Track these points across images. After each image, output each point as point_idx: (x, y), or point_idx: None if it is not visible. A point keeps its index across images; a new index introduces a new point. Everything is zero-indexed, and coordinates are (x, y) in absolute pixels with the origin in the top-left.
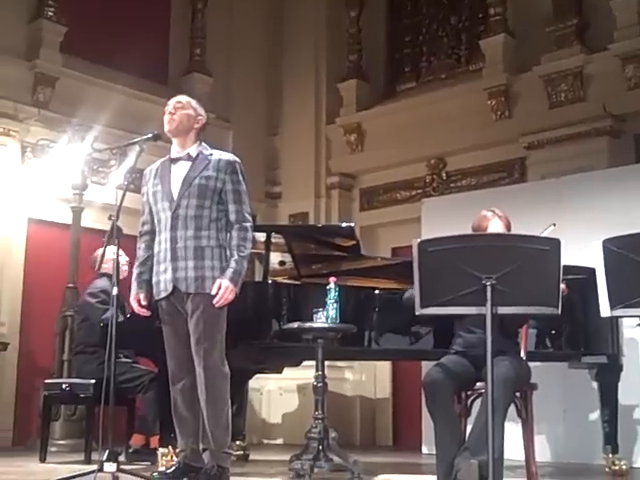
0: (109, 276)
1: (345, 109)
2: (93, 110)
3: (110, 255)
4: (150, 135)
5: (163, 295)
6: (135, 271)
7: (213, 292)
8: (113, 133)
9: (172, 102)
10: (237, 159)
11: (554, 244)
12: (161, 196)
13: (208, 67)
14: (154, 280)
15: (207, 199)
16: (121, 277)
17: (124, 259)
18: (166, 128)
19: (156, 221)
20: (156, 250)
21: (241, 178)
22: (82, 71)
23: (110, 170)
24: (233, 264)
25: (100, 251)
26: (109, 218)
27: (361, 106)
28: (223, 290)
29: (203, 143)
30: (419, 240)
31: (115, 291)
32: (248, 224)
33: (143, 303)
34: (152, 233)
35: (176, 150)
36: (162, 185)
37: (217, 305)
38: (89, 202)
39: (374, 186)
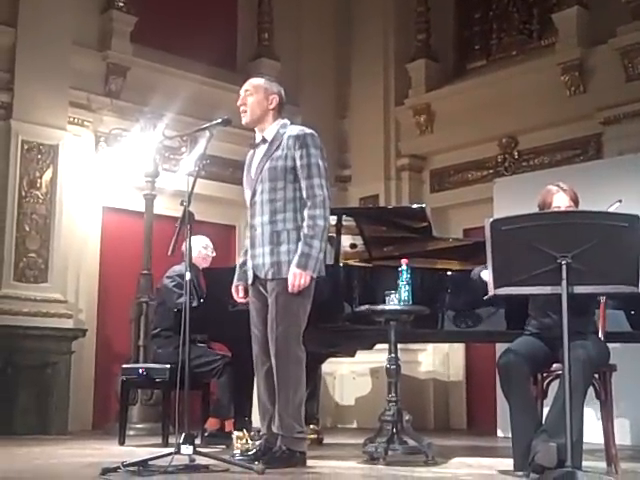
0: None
1: (414, 90)
2: (164, 98)
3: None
4: (220, 120)
5: (250, 281)
6: (239, 260)
7: (289, 281)
8: (184, 121)
9: (242, 91)
10: (308, 131)
11: (633, 220)
12: (246, 185)
13: (276, 52)
14: (247, 266)
15: (279, 180)
16: (204, 265)
17: (201, 243)
18: (243, 121)
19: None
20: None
21: (313, 151)
22: (152, 60)
23: (181, 157)
24: (300, 248)
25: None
26: (181, 204)
27: (430, 86)
28: (292, 278)
29: (283, 120)
30: (492, 219)
31: (188, 276)
32: (318, 199)
33: (241, 294)
34: None
35: (257, 134)
36: (247, 173)
37: (291, 290)
38: (161, 189)
39: (445, 167)
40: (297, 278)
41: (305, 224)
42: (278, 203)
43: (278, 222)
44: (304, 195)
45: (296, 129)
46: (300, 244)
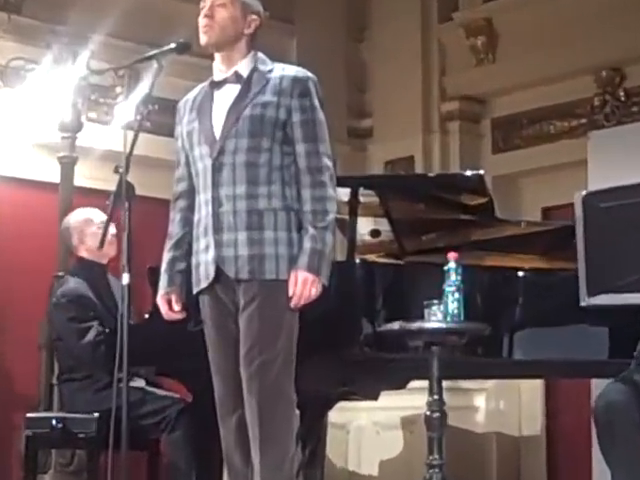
0: (88, 264)
1: None
2: (89, 13)
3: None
4: (173, 45)
5: (204, 284)
6: (165, 257)
7: (290, 291)
8: (119, 46)
9: None
10: (310, 75)
11: None
12: (198, 138)
13: None
14: (193, 263)
15: (265, 137)
16: (106, 257)
17: (95, 218)
18: (202, 40)
19: (194, 176)
20: (195, 219)
21: (316, 103)
22: None
23: (115, 102)
24: (308, 242)
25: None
26: (115, 171)
27: None
28: (301, 286)
29: (259, 54)
30: (585, 192)
31: (126, 279)
32: (327, 173)
33: (176, 307)
34: (191, 195)
35: (220, 69)
36: (200, 121)
37: (294, 306)
38: (85, 150)
39: (513, 114)
40: (308, 286)
41: (310, 208)
42: (261, 170)
43: (260, 197)
44: (302, 165)
45: (292, 69)
46: (307, 237)
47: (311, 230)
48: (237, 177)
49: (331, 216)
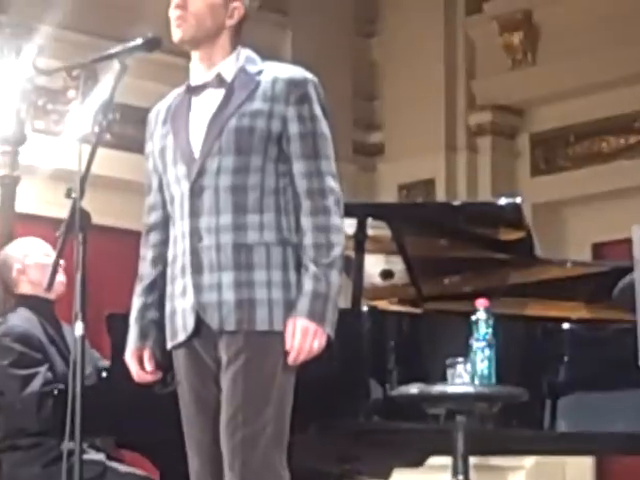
0: (33, 300)
1: None
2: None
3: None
4: (140, 41)
5: (181, 338)
6: (135, 303)
7: (287, 344)
8: (73, 41)
9: None
10: (310, 76)
11: None
12: (173, 156)
13: None
14: (167, 310)
15: (255, 154)
16: (54, 295)
17: (40, 249)
18: (175, 36)
19: (169, 203)
20: (170, 256)
21: (318, 110)
22: None
23: (67, 108)
24: (310, 283)
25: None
26: (67, 195)
27: None
28: (300, 337)
29: (247, 52)
30: None
31: (80, 330)
32: (331, 197)
33: (148, 366)
34: (166, 227)
35: (198, 70)
36: (175, 136)
37: (292, 362)
38: (29, 168)
39: (558, 129)
40: (309, 338)
41: (311, 241)
42: (251, 194)
43: (249, 228)
44: (301, 188)
45: (287, 69)
46: (307, 277)
47: (312, 268)
48: (221, 204)
49: (337, 250)
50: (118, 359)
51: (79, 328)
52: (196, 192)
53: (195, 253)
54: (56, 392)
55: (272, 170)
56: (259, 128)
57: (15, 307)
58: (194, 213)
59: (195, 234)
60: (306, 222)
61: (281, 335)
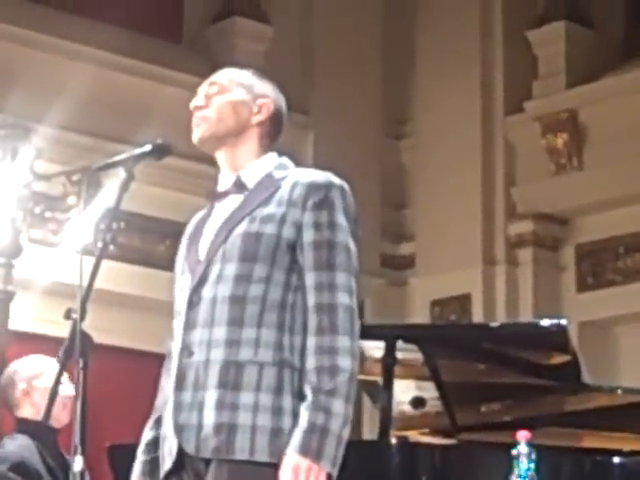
0: (35, 426)
1: (544, 82)
2: (35, 98)
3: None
4: (149, 147)
5: (168, 465)
6: (145, 436)
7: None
8: (73, 143)
9: (204, 84)
10: (336, 181)
11: None
12: (183, 267)
13: (263, 5)
14: (160, 434)
15: (260, 262)
16: (58, 422)
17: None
18: (194, 136)
19: (175, 316)
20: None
21: (340, 219)
22: (15, 21)
23: (67, 216)
24: (306, 413)
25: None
26: (67, 316)
27: (578, 75)
28: (290, 476)
29: (281, 158)
30: None
31: (79, 464)
32: (342, 315)
33: None
34: None
35: (224, 174)
36: (189, 247)
37: None
38: (25, 282)
39: (606, 240)
40: (302, 477)
41: (313, 364)
42: (250, 307)
43: (242, 345)
44: (309, 301)
45: (310, 174)
46: (305, 406)
47: (311, 396)
48: (216, 316)
49: (343, 376)
50: None
51: (79, 463)
52: (193, 303)
53: (181, 369)
54: None
55: (280, 282)
56: (267, 234)
57: (14, 431)
58: (188, 326)
59: (186, 349)
60: (310, 342)
61: (266, 468)
